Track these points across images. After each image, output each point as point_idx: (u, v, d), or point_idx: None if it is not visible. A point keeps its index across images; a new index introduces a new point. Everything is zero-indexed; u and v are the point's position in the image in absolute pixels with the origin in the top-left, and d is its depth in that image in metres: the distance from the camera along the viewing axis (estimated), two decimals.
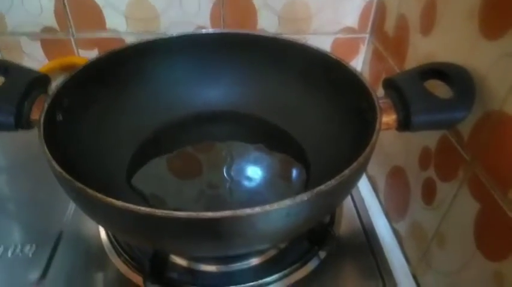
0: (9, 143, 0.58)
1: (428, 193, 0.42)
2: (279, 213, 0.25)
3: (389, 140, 0.51)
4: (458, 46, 0.37)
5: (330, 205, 0.31)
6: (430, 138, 0.41)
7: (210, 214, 0.23)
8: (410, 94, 0.33)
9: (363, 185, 0.58)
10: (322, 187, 0.25)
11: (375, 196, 0.57)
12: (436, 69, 0.35)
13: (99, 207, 0.26)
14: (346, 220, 0.46)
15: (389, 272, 0.43)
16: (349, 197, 0.50)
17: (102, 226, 0.38)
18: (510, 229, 0.31)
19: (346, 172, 0.27)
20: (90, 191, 0.25)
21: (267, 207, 0.24)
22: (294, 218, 0.26)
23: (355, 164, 0.27)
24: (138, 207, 0.24)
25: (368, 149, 0.29)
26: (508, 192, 0.31)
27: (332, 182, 0.26)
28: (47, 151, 0.29)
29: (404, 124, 0.34)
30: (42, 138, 0.30)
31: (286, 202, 0.24)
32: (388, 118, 0.35)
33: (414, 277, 0.46)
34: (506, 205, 0.31)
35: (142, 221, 0.25)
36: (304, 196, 0.25)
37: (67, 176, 0.26)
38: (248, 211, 0.24)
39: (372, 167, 0.59)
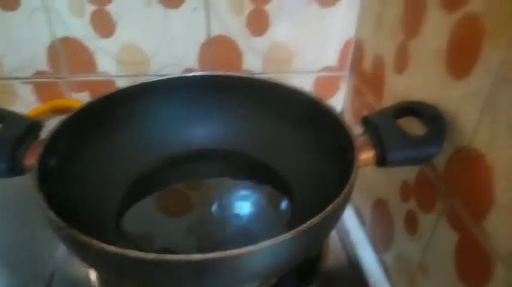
0: None
1: (411, 223, 0.44)
2: (263, 252, 0.26)
3: (372, 172, 0.53)
4: (430, 85, 0.39)
5: (313, 242, 0.32)
6: (408, 172, 0.43)
7: (193, 256, 0.24)
8: (385, 132, 0.36)
9: (350, 217, 0.59)
10: (303, 227, 0.27)
11: (362, 228, 0.58)
12: (410, 108, 0.38)
13: (90, 251, 0.27)
14: (333, 255, 0.47)
15: None
16: (334, 232, 0.52)
17: (93, 269, 0.39)
18: (486, 259, 0.32)
19: (327, 210, 0.28)
20: (83, 236, 0.26)
21: (252, 247, 0.25)
22: (278, 257, 0.27)
23: (334, 203, 0.29)
24: (128, 250, 0.25)
25: (347, 188, 0.30)
26: (481, 222, 0.33)
27: (313, 221, 0.27)
28: (42, 198, 0.30)
29: (381, 161, 0.36)
30: (36, 185, 0.31)
31: (270, 242, 0.25)
32: (366, 155, 0.36)
33: None
34: (481, 236, 0.33)
35: (127, 264, 0.26)
36: (286, 235, 0.26)
37: (61, 223, 0.27)
38: (233, 252, 0.25)
39: (357, 199, 0.61)
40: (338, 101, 0.65)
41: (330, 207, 0.28)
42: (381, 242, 0.52)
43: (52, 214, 0.28)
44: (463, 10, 0.34)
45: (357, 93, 0.60)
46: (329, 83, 0.63)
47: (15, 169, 0.35)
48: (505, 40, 0.29)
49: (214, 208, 0.47)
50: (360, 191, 0.59)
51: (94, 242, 0.25)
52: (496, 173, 0.31)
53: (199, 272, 0.26)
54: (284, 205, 0.47)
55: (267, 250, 0.26)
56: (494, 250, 0.32)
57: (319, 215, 0.27)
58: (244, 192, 0.49)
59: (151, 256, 0.24)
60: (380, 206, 0.52)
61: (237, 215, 0.46)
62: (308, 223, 0.27)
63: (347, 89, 0.64)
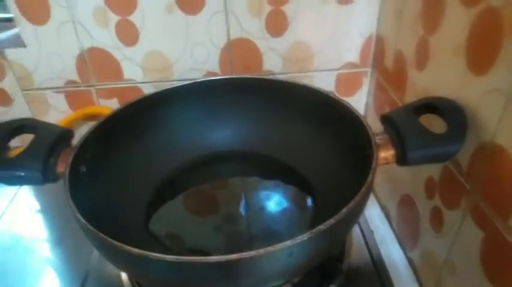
0: (38, 190, 0.62)
1: (436, 221, 0.43)
2: (282, 253, 0.27)
3: (397, 169, 0.52)
4: (450, 81, 0.38)
5: (332, 241, 0.32)
6: (433, 168, 0.43)
7: (216, 258, 0.25)
8: (406, 130, 0.35)
9: (376, 214, 0.59)
10: (322, 227, 0.27)
11: (388, 225, 0.57)
12: (430, 104, 0.37)
13: (118, 254, 0.28)
14: (356, 254, 0.47)
15: None
16: (358, 231, 0.52)
17: (120, 269, 0.40)
18: None
19: (344, 210, 0.28)
20: (110, 240, 0.28)
21: (270, 248, 0.26)
22: (296, 257, 0.27)
23: (352, 202, 0.29)
24: (150, 253, 0.26)
25: (364, 188, 0.30)
26: (508, 219, 0.32)
27: (331, 221, 0.27)
28: (72, 204, 0.32)
29: (402, 159, 0.36)
30: (68, 191, 0.33)
31: (287, 243, 0.26)
32: (386, 153, 0.36)
33: None
34: (507, 233, 0.32)
35: (151, 265, 0.27)
36: (304, 236, 0.27)
37: (91, 227, 0.29)
38: (253, 253, 0.26)
39: (383, 196, 0.60)
40: (361, 98, 0.65)
41: (348, 207, 0.29)
42: (408, 239, 0.52)
43: (83, 220, 0.30)
44: (483, 4, 0.33)
45: (379, 89, 0.59)
46: (351, 79, 0.63)
47: (48, 177, 0.37)
48: None
49: (239, 208, 0.48)
50: (386, 188, 0.58)
51: (120, 244, 0.27)
52: None
53: (220, 273, 0.27)
54: (306, 203, 0.47)
55: (284, 251, 0.26)
56: None
57: (337, 215, 0.28)
58: (267, 192, 0.50)
59: (171, 257, 0.25)
60: (406, 203, 0.51)
61: (262, 213, 0.47)
62: (326, 223, 0.27)
63: (370, 85, 0.63)
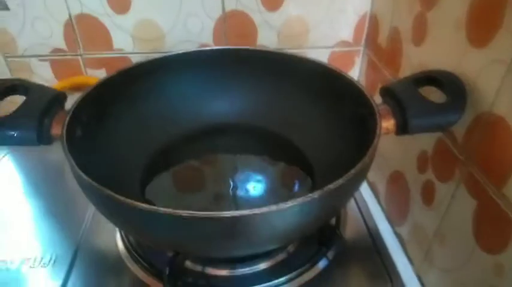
0: (28, 162, 0.60)
1: (428, 194, 0.45)
2: (293, 210, 0.27)
3: (387, 146, 0.53)
4: (449, 54, 0.39)
5: (337, 204, 0.33)
6: (426, 142, 0.44)
7: (228, 213, 0.25)
8: (407, 100, 0.36)
9: (364, 192, 0.60)
10: (331, 186, 0.27)
11: (376, 202, 0.59)
12: (430, 77, 0.38)
13: (122, 210, 0.28)
14: (352, 223, 0.48)
15: (397, 273, 0.45)
16: (353, 202, 0.52)
17: (123, 228, 0.40)
18: (506, 222, 0.33)
19: (352, 171, 0.29)
20: (117, 195, 0.27)
21: (282, 205, 0.26)
22: (305, 215, 0.28)
23: (360, 164, 0.29)
24: (160, 209, 0.26)
25: (371, 151, 0.31)
26: (502, 188, 0.33)
27: (340, 181, 0.28)
28: (73, 163, 0.31)
29: (402, 128, 0.37)
30: (66, 149, 0.32)
31: (299, 200, 0.26)
32: (387, 123, 0.37)
33: (418, 277, 0.48)
34: (501, 200, 0.33)
35: (164, 222, 0.27)
36: (315, 194, 0.27)
37: (92, 181, 0.29)
38: (264, 209, 0.26)
39: (372, 174, 0.61)
40: (353, 76, 0.65)
41: (356, 167, 0.29)
42: (396, 215, 0.53)
43: (85, 177, 0.29)
44: None
45: (372, 67, 0.60)
46: (344, 58, 0.63)
47: (43, 138, 0.36)
48: None
49: (231, 182, 0.48)
50: (374, 165, 0.59)
51: (125, 199, 0.26)
52: None
53: (229, 230, 0.27)
54: (302, 177, 0.48)
55: (295, 208, 0.27)
56: None
57: (346, 175, 0.28)
58: (262, 166, 0.50)
59: (182, 212, 0.25)
60: (396, 179, 0.53)
61: (254, 189, 0.47)
62: (335, 182, 0.28)
63: (361, 64, 0.64)
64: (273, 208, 0.26)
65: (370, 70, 0.61)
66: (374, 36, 0.58)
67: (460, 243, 0.40)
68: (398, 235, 0.53)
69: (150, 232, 0.30)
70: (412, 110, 0.35)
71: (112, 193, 0.27)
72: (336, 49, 0.62)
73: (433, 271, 0.45)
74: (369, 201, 0.58)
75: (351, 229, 0.48)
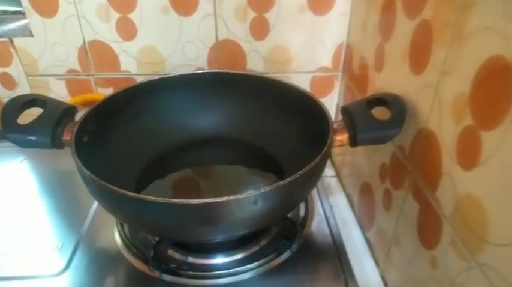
0: (42, 166, 0.69)
1: (387, 201, 0.51)
2: (248, 200, 0.34)
3: (360, 160, 0.60)
4: (398, 80, 0.46)
5: (290, 197, 0.40)
6: (385, 155, 0.50)
7: (197, 200, 0.32)
8: (358, 118, 0.43)
9: (342, 203, 0.66)
10: (281, 183, 0.34)
11: (352, 211, 0.65)
12: (379, 99, 0.45)
13: (117, 199, 0.35)
14: (317, 225, 0.55)
15: (348, 264, 0.51)
16: (320, 208, 0.59)
17: (116, 215, 0.46)
18: (438, 221, 0.39)
19: (300, 172, 0.36)
20: (113, 187, 0.34)
21: (239, 195, 0.33)
22: (261, 206, 0.34)
23: (306, 167, 0.36)
24: (144, 196, 0.33)
25: (319, 157, 0.38)
26: (435, 191, 0.40)
27: (288, 179, 0.35)
28: (78, 160, 0.38)
29: (353, 141, 0.44)
30: (74, 152, 0.40)
31: (253, 192, 0.33)
32: (342, 137, 0.44)
33: (382, 277, 0.53)
34: (435, 202, 0.40)
35: (148, 207, 0.34)
36: (267, 188, 0.34)
37: (92, 175, 0.36)
38: (224, 198, 0.33)
39: (348, 186, 0.68)
40: (333, 99, 0.73)
41: (303, 170, 0.36)
42: (366, 221, 0.59)
43: (88, 172, 0.37)
44: (420, 17, 0.41)
45: (348, 91, 0.67)
46: (324, 82, 0.71)
47: (56, 143, 0.44)
48: (447, 38, 0.36)
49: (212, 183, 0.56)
50: (351, 179, 0.66)
51: (121, 190, 0.34)
52: (443, 147, 0.38)
53: (199, 215, 0.34)
54: (274, 179, 0.55)
55: (250, 198, 0.33)
56: (443, 213, 0.38)
57: (293, 175, 0.35)
58: (238, 172, 0.59)
59: (161, 199, 0.32)
60: (365, 189, 0.59)
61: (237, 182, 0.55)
62: (284, 180, 0.34)
63: (340, 87, 0.71)
64: (231, 197, 0.33)
65: (346, 92, 0.68)
66: (349, 63, 0.66)
67: (409, 242, 0.45)
68: (367, 240, 0.58)
69: (137, 216, 0.37)
70: (360, 126, 0.42)
71: (107, 184, 0.35)
72: (317, 74, 0.69)
73: (392, 271, 0.51)
74: (344, 210, 0.64)
75: (315, 230, 0.54)
